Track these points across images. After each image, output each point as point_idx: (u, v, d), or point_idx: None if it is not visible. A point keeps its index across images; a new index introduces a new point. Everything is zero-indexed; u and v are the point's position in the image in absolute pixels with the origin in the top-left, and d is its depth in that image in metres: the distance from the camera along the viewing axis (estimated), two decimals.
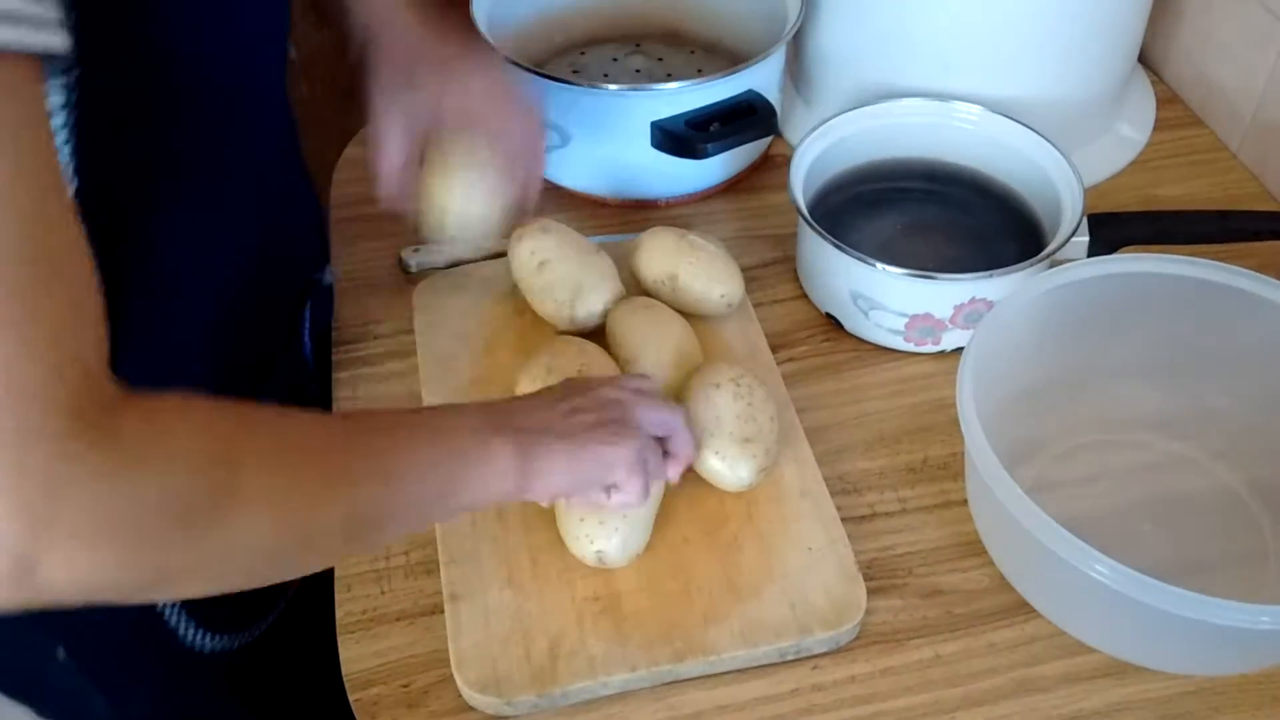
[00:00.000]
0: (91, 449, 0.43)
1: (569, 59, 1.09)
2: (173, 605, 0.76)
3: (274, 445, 0.51)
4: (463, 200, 0.81)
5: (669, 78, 1.06)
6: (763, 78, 0.93)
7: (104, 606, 0.49)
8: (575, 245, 0.84)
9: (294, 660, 0.92)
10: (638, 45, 1.10)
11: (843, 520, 0.73)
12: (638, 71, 1.08)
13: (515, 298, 0.86)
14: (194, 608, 0.78)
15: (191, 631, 0.79)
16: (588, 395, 0.65)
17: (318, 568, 0.56)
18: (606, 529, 0.68)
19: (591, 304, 0.81)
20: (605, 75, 1.07)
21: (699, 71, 1.07)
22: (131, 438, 0.45)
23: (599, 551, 0.68)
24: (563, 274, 0.82)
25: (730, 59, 1.06)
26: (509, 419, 0.61)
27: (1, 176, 0.41)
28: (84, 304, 0.45)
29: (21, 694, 0.84)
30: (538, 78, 0.90)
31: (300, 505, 0.51)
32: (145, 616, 0.76)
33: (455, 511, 0.64)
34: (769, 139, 1.01)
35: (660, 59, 1.09)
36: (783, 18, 0.98)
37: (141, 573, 0.46)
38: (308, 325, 0.86)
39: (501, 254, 0.91)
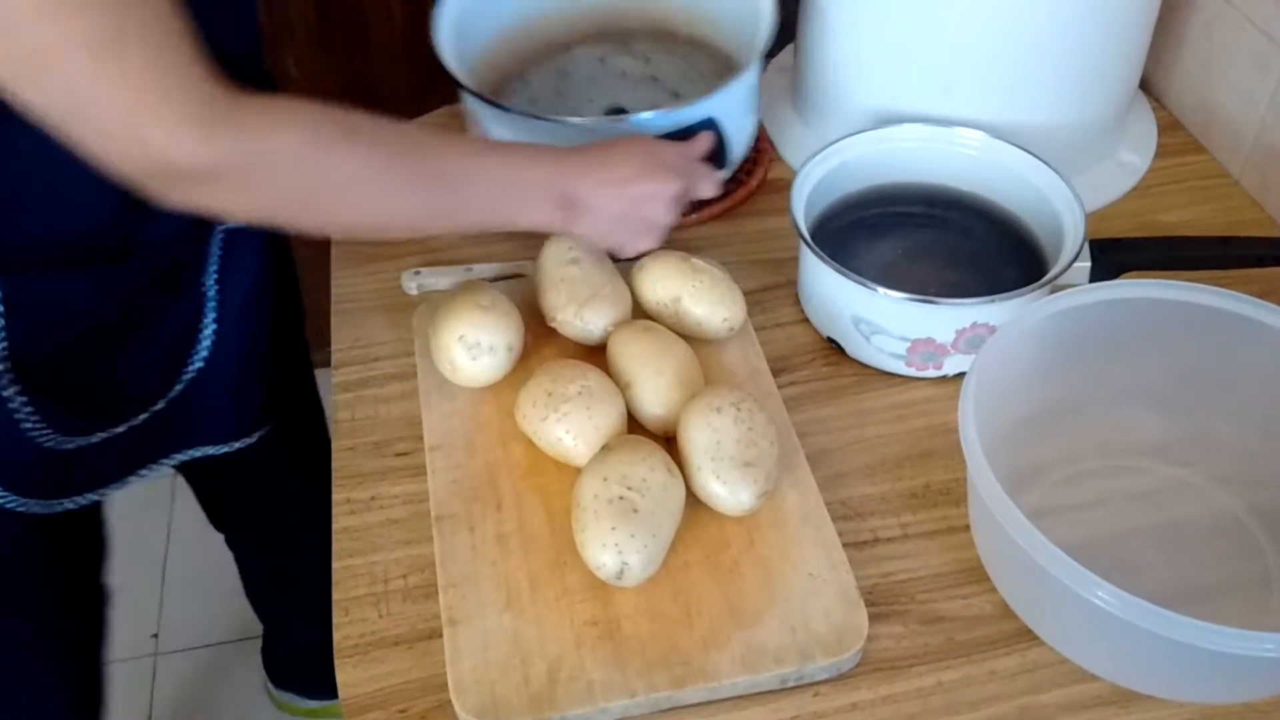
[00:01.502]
0: (216, 133, 0.60)
1: (555, 62, 1.07)
2: None
3: (365, 159, 0.67)
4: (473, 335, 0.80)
5: (654, 80, 1.04)
6: (724, 106, 0.90)
7: None
8: (605, 263, 0.86)
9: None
10: (625, 45, 1.08)
11: (844, 545, 0.72)
12: (624, 74, 1.05)
13: None
14: None
15: None
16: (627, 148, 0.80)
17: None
18: (636, 543, 0.67)
19: (599, 316, 0.82)
20: (591, 79, 1.04)
21: (687, 74, 1.05)
22: (248, 131, 0.62)
23: (625, 564, 0.67)
24: (586, 276, 0.83)
25: (720, 59, 1.04)
26: (560, 166, 0.77)
27: None
28: (173, 30, 0.59)
29: None
30: (493, 108, 0.89)
31: (376, 217, 0.70)
32: None
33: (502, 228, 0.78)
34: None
35: (648, 59, 1.07)
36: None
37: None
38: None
39: (501, 278, 0.91)
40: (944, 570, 0.74)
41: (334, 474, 0.80)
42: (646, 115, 0.88)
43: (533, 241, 0.89)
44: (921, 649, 0.70)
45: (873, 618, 0.70)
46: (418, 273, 0.92)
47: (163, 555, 1.73)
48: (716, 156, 0.90)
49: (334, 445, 0.82)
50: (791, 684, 0.68)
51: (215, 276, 0.86)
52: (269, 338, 0.94)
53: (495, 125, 0.91)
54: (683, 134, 0.88)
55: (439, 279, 0.92)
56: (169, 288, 0.84)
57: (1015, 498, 0.62)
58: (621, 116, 0.91)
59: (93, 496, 0.89)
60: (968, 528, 0.75)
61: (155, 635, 1.65)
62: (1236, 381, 0.76)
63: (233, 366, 0.90)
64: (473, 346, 0.79)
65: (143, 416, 0.88)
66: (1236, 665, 0.60)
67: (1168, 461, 0.79)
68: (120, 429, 0.86)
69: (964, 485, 0.77)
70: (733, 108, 0.92)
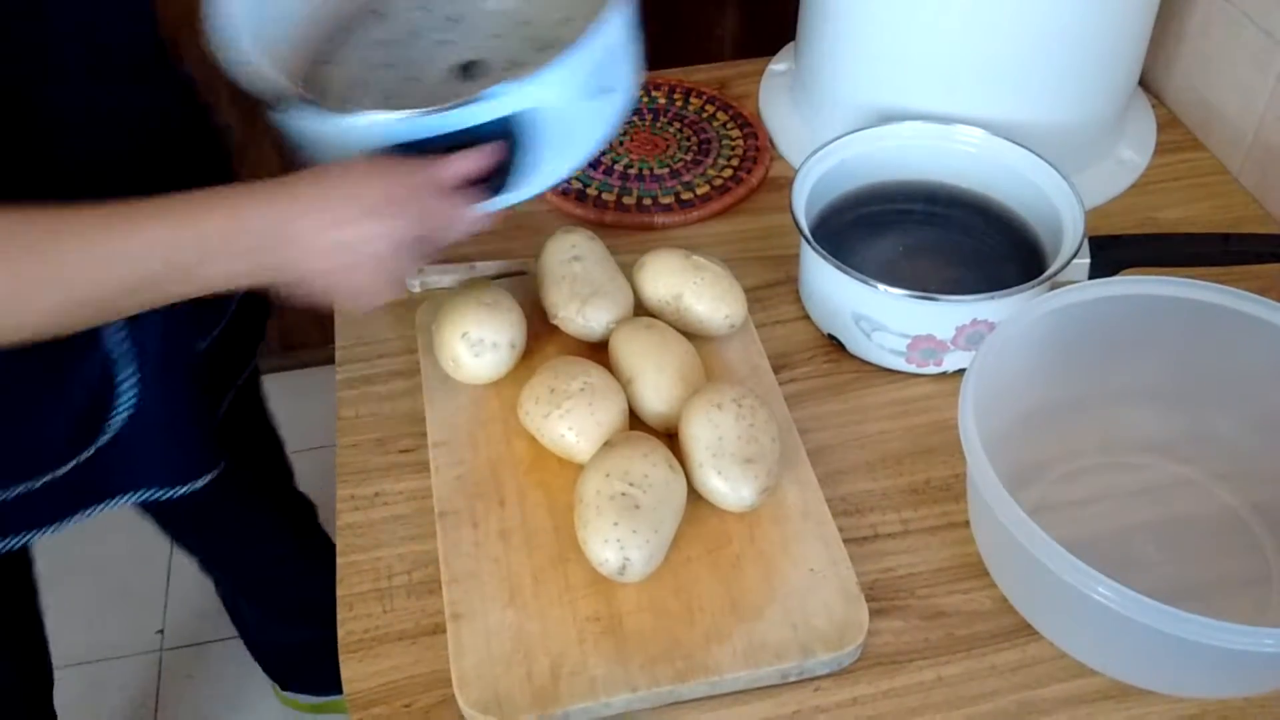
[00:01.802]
0: None
1: None
2: None
3: None
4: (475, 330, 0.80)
5: (525, 24, 0.83)
6: (539, 94, 0.66)
7: None
8: (607, 261, 0.86)
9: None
10: None
11: (845, 541, 0.73)
12: (493, 13, 0.84)
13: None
14: None
15: None
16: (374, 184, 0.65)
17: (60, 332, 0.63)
18: (638, 539, 0.68)
19: (600, 313, 0.82)
20: (453, 19, 0.84)
21: (567, 16, 0.82)
22: None
23: (627, 560, 0.68)
24: (589, 274, 0.84)
25: None
26: (271, 210, 0.63)
27: None
28: None
29: None
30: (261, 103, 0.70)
31: (12, 304, 0.59)
32: None
33: (200, 289, 0.64)
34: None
35: None
36: None
37: None
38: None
39: (504, 275, 0.92)
40: (944, 566, 0.74)
41: (338, 470, 0.80)
42: (400, 117, 0.66)
43: (535, 239, 0.89)
44: (922, 644, 0.70)
45: (873, 613, 0.70)
46: (420, 270, 0.92)
47: (167, 552, 1.73)
48: (502, 172, 0.69)
49: (338, 442, 0.82)
50: (793, 678, 0.68)
51: (123, 332, 0.80)
52: (206, 380, 0.89)
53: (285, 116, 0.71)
54: (462, 140, 0.66)
55: (442, 276, 0.92)
56: (55, 355, 0.77)
57: (1015, 494, 0.63)
58: (462, 100, 0.65)
59: (25, 539, 0.86)
60: (967, 524, 0.75)
61: (160, 631, 1.65)
62: (1236, 378, 0.76)
63: (165, 414, 0.85)
64: (475, 343, 0.80)
65: (66, 468, 0.83)
66: (1236, 660, 0.60)
67: (1168, 458, 0.79)
68: (38, 484, 0.82)
69: (964, 481, 0.77)
70: (560, 94, 0.68)
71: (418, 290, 0.92)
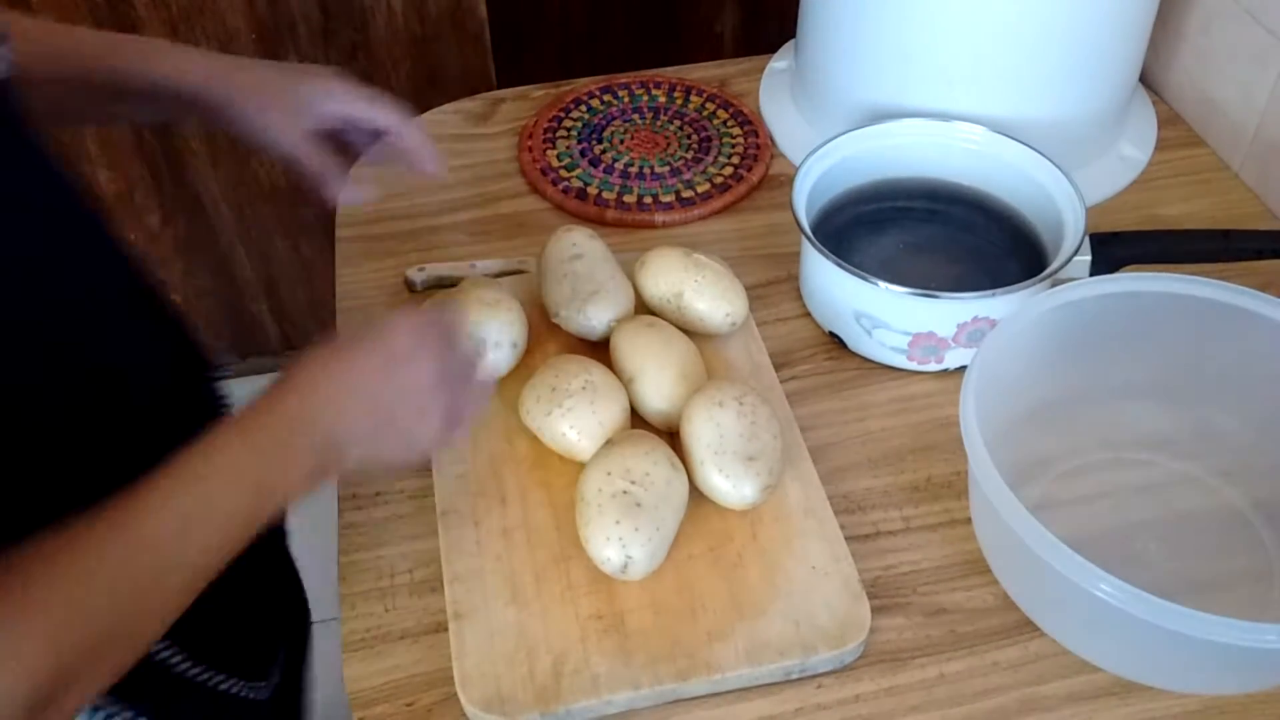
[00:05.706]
0: None
1: None
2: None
3: (65, 603, 0.49)
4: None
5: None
6: None
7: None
8: (607, 259, 0.86)
9: None
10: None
11: (846, 539, 0.73)
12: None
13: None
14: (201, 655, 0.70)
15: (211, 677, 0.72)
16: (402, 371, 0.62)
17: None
18: (640, 537, 0.68)
19: (602, 312, 0.82)
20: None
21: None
22: None
23: (629, 558, 0.68)
24: (590, 273, 0.84)
25: None
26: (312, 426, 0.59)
27: None
28: None
29: None
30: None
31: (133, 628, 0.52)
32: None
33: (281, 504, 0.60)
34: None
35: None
36: None
37: None
38: None
39: (505, 274, 0.92)
40: (946, 563, 0.74)
41: None
42: None
43: (536, 238, 0.89)
44: (924, 641, 0.70)
45: (875, 610, 0.70)
46: (422, 269, 0.92)
47: None
48: None
49: None
50: (795, 676, 0.68)
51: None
52: None
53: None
54: None
55: (443, 275, 0.92)
56: None
57: (1017, 491, 0.63)
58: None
59: None
60: (969, 520, 0.75)
61: None
62: (1238, 374, 0.76)
63: None
64: (477, 342, 0.80)
65: None
66: (1238, 657, 0.60)
67: (1170, 455, 0.79)
68: None
69: (965, 478, 0.77)
70: None
71: (419, 289, 0.92)
